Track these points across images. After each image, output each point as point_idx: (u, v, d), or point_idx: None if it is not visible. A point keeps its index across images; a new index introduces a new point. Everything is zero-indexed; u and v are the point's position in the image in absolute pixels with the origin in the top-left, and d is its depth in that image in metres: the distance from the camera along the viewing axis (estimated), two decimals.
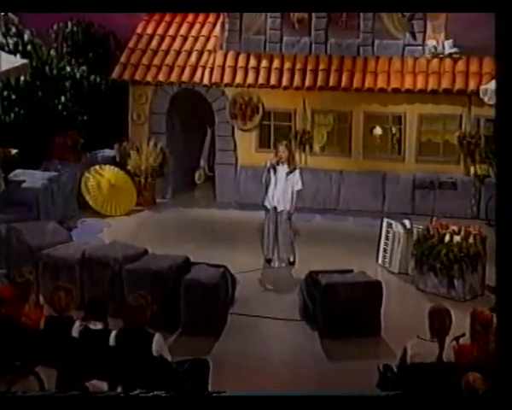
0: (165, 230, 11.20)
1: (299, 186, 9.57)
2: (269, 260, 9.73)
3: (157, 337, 5.76)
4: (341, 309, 7.74)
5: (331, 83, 12.02)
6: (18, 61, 11.19)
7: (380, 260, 9.80)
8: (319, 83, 12.05)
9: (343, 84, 11.99)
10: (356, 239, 10.63)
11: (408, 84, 11.84)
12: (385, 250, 9.74)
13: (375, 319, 7.75)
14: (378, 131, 12.26)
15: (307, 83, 12.08)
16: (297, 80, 12.13)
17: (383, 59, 12.16)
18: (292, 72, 12.24)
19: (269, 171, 9.45)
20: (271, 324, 8.09)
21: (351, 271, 8.35)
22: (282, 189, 9.49)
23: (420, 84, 11.81)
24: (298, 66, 12.25)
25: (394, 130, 12.20)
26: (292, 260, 9.72)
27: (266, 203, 9.61)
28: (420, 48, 12.10)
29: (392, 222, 9.76)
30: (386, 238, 9.73)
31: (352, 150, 12.27)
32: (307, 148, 12.28)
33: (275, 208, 9.58)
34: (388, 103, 11.97)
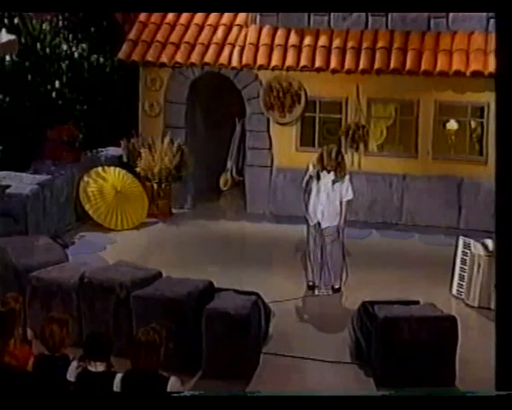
0: (183, 247, 11.27)
1: (349, 196, 9.58)
2: (312, 287, 9.74)
3: (173, 381, 5.79)
4: (404, 350, 7.68)
5: (393, 65, 12.00)
6: (3, 36, 11.38)
7: (454, 290, 9.73)
8: (377, 65, 12.04)
9: (408, 66, 11.96)
10: (423, 262, 10.58)
11: (493, 66, 11.75)
12: (461, 277, 9.66)
13: (447, 365, 7.69)
14: (453, 125, 12.19)
15: (362, 65, 12.08)
16: (349, 62, 12.13)
17: (461, 34, 12.10)
18: (342, 51, 12.25)
19: (310, 179, 9.45)
20: (315, 367, 8.08)
21: (416, 302, 8.31)
22: (327, 200, 9.49)
23: None
24: (350, 44, 12.26)
25: (474, 124, 12.12)
26: (337, 286, 9.72)
27: (310, 219, 9.63)
28: None
29: (471, 242, 9.68)
30: (463, 262, 9.65)
31: (419, 150, 12.22)
32: (361, 146, 12.27)
33: (318, 224, 9.58)
34: (466, 90, 11.89)
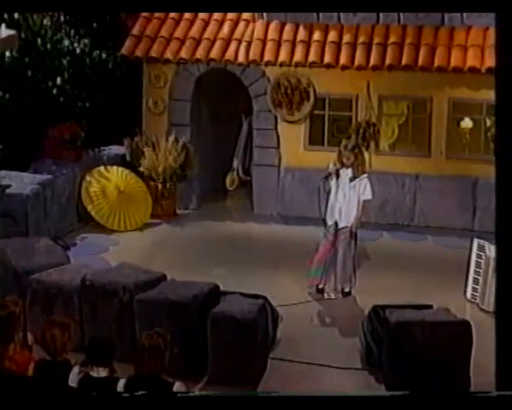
0: (188, 249, 11.29)
1: (367, 195, 9.57)
2: (321, 290, 9.74)
3: (177, 387, 5.80)
4: (416, 356, 7.67)
5: (405, 61, 11.99)
6: (3, 32, 11.40)
7: (468, 294, 9.71)
8: (389, 61, 12.03)
9: (421, 62, 11.94)
10: (436, 265, 10.57)
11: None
12: (475, 281, 9.64)
13: (461, 372, 7.68)
14: (467, 123, 12.17)
15: (373, 61, 12.07)
16: (359, 58, 12.12)
17: (476, 30, 12.07)
18: (353, 47, 12.24)
19: (329, 176, 9.43)
20: (324, 373, 8.07)
21: (429, 306, 8.29)
22: (344, 199, 9.48)
23: None
24: (361, 39, 12.25)
25: (489, 123, 12.08)
26: (347, 289, 9.72)
27: (328, 219, 9.57)
28: None
29: (486, 244, 9.66)
30: (478, 265, 9.63)
31: (432, 149, 12.21)
32: (372, 145, 12.26)
33: (335, 224, 9.57)
34: (481, 87, 11.84)
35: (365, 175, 9.55)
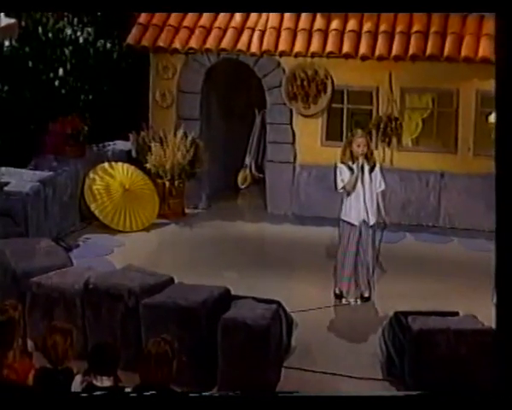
0: (197, 251, 11.32)
1: (382, 186, 9.62)
2: (339, 296, 9.74)
3: None
4: (440, 366, 7.68)
5: (429, 50, 11.97)
6: (2, 20, 11.46)
7: (496, 300, 9.69)
8: (412, 51, 12.01)
9: (447, 51, 11.92)
10: (463, 269, 10.56)
11: None
12: None
13: (489, 383, 7.63)
14: None
15: (395, 51, 12.06)
16: (380, 47, 12.11)
17: None
18: (374, 36, 12.23)
19: (358, 175, 9.42)
20: (342, 383, 8.07)
21: (455, 313, 8.29)
22: (368, 194, 9.50)
23: None
24: (382, 27, 12.24)
25: None
26: (367, 294, 9.73)
27: (352, 219, 9.53)
28: None
29: None
30: None
31: (459, 145, 12.19)
32: (394, 141, 12.25)
33: (365, 223, 9.54)
34: None
35: (377, 166, 9.61)
